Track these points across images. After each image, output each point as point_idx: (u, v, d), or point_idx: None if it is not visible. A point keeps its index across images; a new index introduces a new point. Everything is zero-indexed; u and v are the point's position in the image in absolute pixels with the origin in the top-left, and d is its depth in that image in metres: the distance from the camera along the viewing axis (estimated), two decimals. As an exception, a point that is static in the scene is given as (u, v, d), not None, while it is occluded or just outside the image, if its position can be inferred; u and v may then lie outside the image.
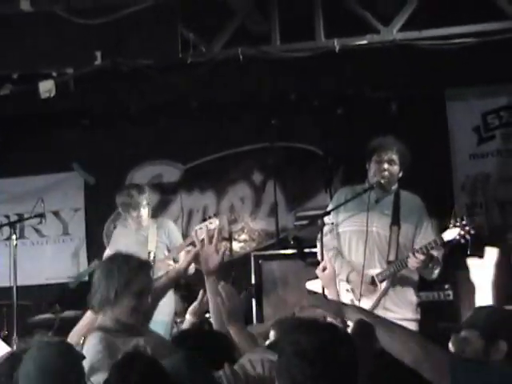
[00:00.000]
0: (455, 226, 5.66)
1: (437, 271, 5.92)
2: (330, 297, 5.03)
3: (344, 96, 8.68)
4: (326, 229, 6.05)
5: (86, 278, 9.33)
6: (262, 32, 7.46)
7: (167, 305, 7.15)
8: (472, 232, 5.65)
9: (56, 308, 8.50)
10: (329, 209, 6.12)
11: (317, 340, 2.56)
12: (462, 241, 5.68)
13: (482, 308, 3.70)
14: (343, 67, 7.88)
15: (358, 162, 6.24)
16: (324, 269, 5.09)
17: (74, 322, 5.08)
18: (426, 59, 7.62)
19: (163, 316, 7.04)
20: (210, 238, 4.57)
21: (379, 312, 5.81)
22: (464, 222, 5.65)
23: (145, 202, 7.21)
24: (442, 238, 5.69)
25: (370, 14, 7.13)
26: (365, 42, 7.15)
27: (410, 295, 5.97)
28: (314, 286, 5.99)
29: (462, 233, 5.64)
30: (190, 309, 5.18)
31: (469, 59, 7.66)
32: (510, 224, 8.32)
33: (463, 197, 8.53)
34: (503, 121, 8.58)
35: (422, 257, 5.69)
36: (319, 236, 6.00)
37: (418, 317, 5.94)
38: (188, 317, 5.16)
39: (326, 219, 6.04)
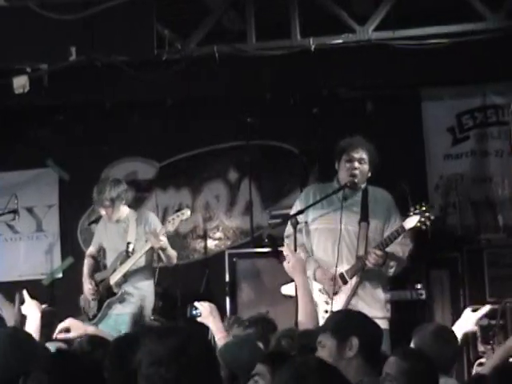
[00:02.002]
0: (415, 213, 5.70)
1: (392, 270, 5.94)
2: (298, 285, 5.04)
3: (320, 95, 8.69)
4: (299, 227, 6.09)
5: (60, 275, 9.31)
6: (238, 30, 7.46)
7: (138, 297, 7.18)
8: (432, 218, 5.69)
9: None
10: (299, 207, 6.15)
11: (167, 345, 2.71)
12: (423, 227, 5.73)
13: (334, 312, 3.82)
14: (319, 66, 7.88)
15: (333, 161, 6.26)
16: (288, 261, 5.11)
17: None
18: (402, 59, 7.64)
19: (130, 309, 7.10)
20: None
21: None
22: (424, 209, 5.69)
23: (107, 203, 7.17)
24: (403, 227, 5.73)
25: (346, 13, 7.14)
26: (340, 41, 7.17)
27: (379, 293, 6.00)
28: (288, 290, 6.01)
29: (423, 219, 5.69)
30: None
31: (444, 60, 7.68)
32: (482, 224, 8.37)
33: (437, 197, 8.56)
34: (477, 121, 8.62)
35: (379, 252, 5.73)
36: (285, 234, 6.04)
37: (388, 315, 5.97)
38: None
39: (300, 218, 6.08)
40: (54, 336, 5.02)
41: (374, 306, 5.92)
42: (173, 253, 7.20)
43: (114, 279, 7.11)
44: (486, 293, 7.68)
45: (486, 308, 5.27)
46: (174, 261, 7.28)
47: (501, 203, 8.32)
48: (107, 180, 7.58)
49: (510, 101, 8.16)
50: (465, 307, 7.56)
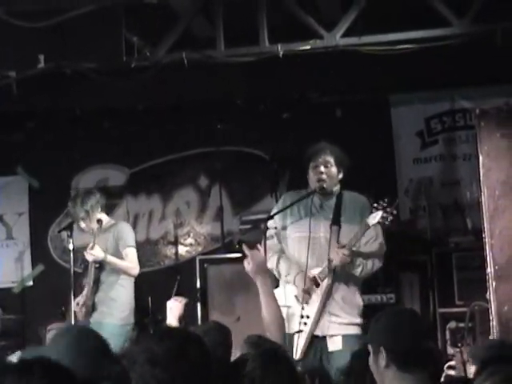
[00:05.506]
0: (377, 208, 5.75)
1: (359, 269, 5.96)
2: (260, 287, 5.02)
3: (289, 101, 8.73)
4: (269, 233, 6.11)
5: (30, 283, 9.27)
6: (206, 37, 7.47)
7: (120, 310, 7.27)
8: (394, 212, 5.74)
9: (-1, 313, 8.44)
10: (273, 213, 6.19)
11: (166, 346, 2.70)
12: (386, 222, 5.78)
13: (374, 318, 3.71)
14: (287, 72, 7.92)
15: (303, 166, 6.29)
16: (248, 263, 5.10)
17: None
18: (370, 65, 7.69)
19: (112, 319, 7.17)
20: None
21: (324, 317, 5.88)
22: (385, 204, 5.74)
23: (83, 215, 7.31)
24: (367, 224, 5.77)
25: (314, 19, 7.17)
26: (308, 47, 7.19)
27: (355, 298, 6.02)
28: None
29: (385, 215, 5.73)
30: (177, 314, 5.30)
31: (412, 65, 7.75)
32: (452, 227, 8.43)
33: (407, 201, 8.63)
34: (446, 126, 8.70)
35: (346, 252, 5.77)
36: (263, 240, 6.06)
37: (362, 320, 5.99)
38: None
39: (270, 223, 6.10)
40: None
41: (351, 312, 5.95)
42: (125, 264, 7.28)
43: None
44: (454, 296, 7.74)
45: None
46: (131, 272, 7.33)
47: (469, 207, 8.38)
48: (79, 193, 7.71)
49: (478, 105, 8.23)
50: (434, 310, 7.70)
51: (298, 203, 6.10)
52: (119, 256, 7.29)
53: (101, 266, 7.25)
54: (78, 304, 7.25)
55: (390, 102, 8.72)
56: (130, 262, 7.32)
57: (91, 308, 7.24)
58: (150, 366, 2.67)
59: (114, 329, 7.10)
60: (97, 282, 7.26)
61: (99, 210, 7.41)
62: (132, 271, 7.34)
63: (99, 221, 7.27)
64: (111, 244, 7.31)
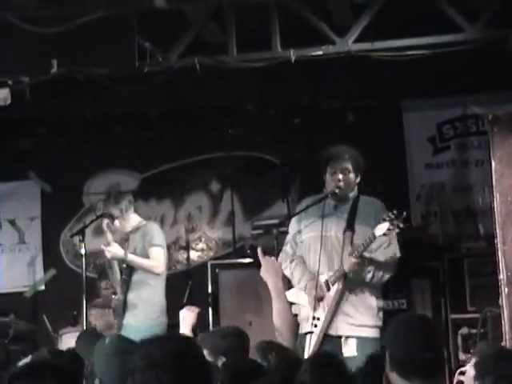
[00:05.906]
0: (384, 220, 5.72)
1: (370, 275, 5.94)
2: (271, 289, 5.02)
3: (301, 106, 8.74)
4: (287, 238, 6.14)
5: (43, 287, 9.30)
6: (218, 42, 7.49)
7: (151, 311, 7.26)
8: (401, 225, 5.69)
9: (11, 317, 8.45)
10: (293, 221, 6.20)
11: (167, 349, 2.70)
12: (391, 236, 5.77)
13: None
14: (299, 77, 7.93)
15: (315, 171, 6.29)
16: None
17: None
18: (382, 70, 7.69)
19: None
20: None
21: (339, 317, 5.87)
22: (393, 216, 5.71)
23: (117, 213, 7.32)
24: (373, 234, 5.76)
25: (326, 25, 7.18)
26: (320, 52, 7.19)
27: (371, 300, 5.99)
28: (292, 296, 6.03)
29: (391, 227, 5.69)
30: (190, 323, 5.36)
31: (424, 71, 7.75)
32: (464, 233, 8.42)
33: (418, 206, 8.62)
34: (458, 131, 8.69)
35: (354, 259, 5.76)
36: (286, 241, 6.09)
37: (380, 323, 5.93)
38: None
39: (286, 228, 6.13)
40: None
41: (366, 313, 5.93)
42: (148, 263, 7.26)
43: None
44: (466, 302, 7.73)
45: None
46: (154, 270, 7.29)
47: (481, 212, 8.37)
48: (112, 193, 7.75)
49: (489, 111, 8.22)
50: (446, 316, 7.68)
51: (312, 207, 6.11)
52: (147, 256, 7.27)
53: (128, 265, 7.24)
54: (118, 300, 7.27)
55: (402, 108, 8.72)
56: (156, 261, 7.27)
57: (123, 309, 7.23)
58: (153, 370, 2.66)
59: (147, 330, 7.06)
60: (127, 282, 7.23)
61: (132, 210, 7.40)
62: (154, 269, 7.23)
63: (110, 215, 7.27)
64: (139, 244, 7.30)
